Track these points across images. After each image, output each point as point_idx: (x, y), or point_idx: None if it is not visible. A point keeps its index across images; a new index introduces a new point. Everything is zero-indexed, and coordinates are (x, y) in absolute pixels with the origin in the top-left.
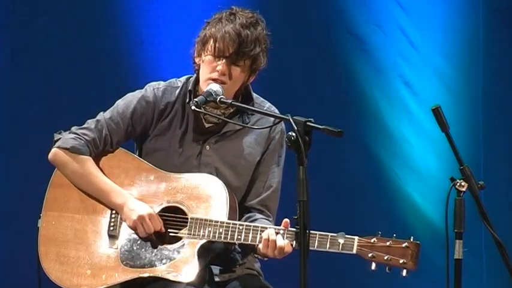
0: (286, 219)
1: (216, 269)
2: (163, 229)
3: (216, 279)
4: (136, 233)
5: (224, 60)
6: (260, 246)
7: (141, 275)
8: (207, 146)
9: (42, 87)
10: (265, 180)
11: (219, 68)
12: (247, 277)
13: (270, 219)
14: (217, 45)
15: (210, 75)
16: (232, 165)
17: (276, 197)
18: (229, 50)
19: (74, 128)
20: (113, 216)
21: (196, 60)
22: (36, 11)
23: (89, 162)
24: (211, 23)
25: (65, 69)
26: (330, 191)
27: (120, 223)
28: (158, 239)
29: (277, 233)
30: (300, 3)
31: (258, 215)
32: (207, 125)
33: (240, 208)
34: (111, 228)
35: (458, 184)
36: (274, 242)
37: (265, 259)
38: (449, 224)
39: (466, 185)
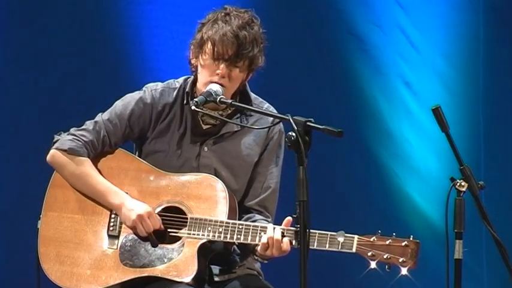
0: (289, 217)
1: (216, 269)
2: (162, 227)
3: (216, 279)
4: (136, 233)
5: (223, 63)
6: (258, 247)
7: (140, 275)
8: (206, 148)
9: (42, 87)
10: (263, 181)
11: (218, 71)
12: (247, 277)
13: (269, 219)
14: (215, 48)
15: (210, 78)
16: (231, 166)
17: (274, 197)
18: (228, 52)
19: (72, 130)
20: (113, 216)
21: (193, 61)
22: (36, 11)
23: (86, 163)
24: (206, 24)
25: (65, 69)
26: (330, 191)
27: (120, 223)
28: (158, 238)
29: (275, 231)
30: (300, 3)
31: (257, 216)
32: (204, 127)
33: (239, 209)
34: (111, 228)
35: (458, 184)
36: (273, 239)
37: (265, 261)
38: (449, 224)
39: (466, 185)
